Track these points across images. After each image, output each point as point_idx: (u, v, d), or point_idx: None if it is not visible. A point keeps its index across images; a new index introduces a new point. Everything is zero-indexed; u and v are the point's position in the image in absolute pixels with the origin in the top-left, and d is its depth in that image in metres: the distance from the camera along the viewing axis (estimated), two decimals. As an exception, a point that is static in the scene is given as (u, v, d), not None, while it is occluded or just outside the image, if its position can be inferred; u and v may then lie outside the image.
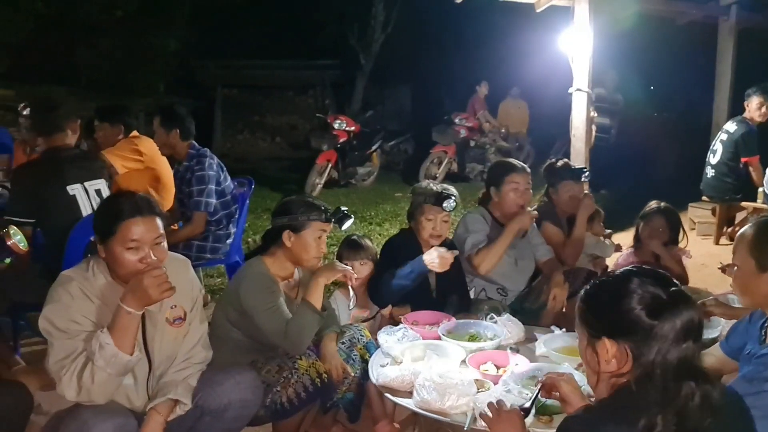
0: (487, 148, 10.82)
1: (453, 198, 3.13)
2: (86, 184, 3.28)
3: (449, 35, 12.90)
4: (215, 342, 2.47)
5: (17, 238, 1.49)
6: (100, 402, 2.11)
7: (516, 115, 11.46)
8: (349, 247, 3.21)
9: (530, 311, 3.36)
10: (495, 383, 2.29)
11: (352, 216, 2.91)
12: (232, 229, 4.15)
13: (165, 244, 2.20)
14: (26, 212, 3.09)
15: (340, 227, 2.84)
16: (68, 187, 3.19)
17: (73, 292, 2.14)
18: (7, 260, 1.47)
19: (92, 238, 3.13)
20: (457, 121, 10.42)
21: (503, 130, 11.18)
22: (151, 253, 2.12)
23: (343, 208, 2.83)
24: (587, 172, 4.14)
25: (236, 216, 4.15)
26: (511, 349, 2.62)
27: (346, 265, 2.77)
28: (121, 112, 4.33)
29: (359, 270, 3.13)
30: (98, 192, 3.33)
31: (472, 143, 10.64)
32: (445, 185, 3.31)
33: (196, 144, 4.06)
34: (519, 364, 2.46)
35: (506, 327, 2.80)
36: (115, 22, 12.30)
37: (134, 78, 12.67)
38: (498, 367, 2.46)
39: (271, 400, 2.46)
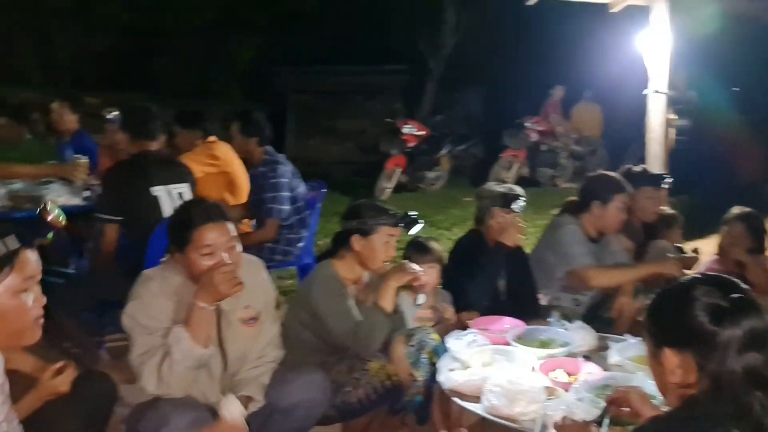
0: (559, 152, 10.63)
1: (522, 198, 3.10)
2: (170, 187, 3.42)
3: (521, 38, 12.72)
4: (287, 342, 2.54)
5: (56, 212, 1.54)
6: (177, 395, 2.21)
7: (589, 118, 11.20)
8: (416, 250, 3.19)
9: (604, 319, 3.28)
10: (566, 391, 2.25)
11: (421, 221, 2.91)
12: (304, 233, 4.23)
13: (239, 247, 2.27)
14: (114, 211, 3.24)
15: (409, 232, 2.85)
16: (152, 189, 3.34)
17: (153, 291, 2.24)
18: (50, 235, 1.53)
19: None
20: (528, 124, 10.28)
21: (575, 134, 10.95)
22: (226, 257, 2.19)
23: (411, 212, 2.84)
24: (669, 179, 3.98)
25: (308, 219, 4.23)
26: (583, 357, 2.57)
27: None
28: (200, 118, 4.48)
29: (426, 273, 3.12)
30: (180, 195, 3.47)
31: (544, 147, 10.47)
32: (511, 186, 3.27)
33: (271, 150, 4.16)
34: (591, 372, 2.40)
35: (578, 334, 2.74)
36: (194, 30, 12.79)
37: (211, 84, 13.13)
38: (569, 375, 2.42)
39: (341, 400, 2.50)
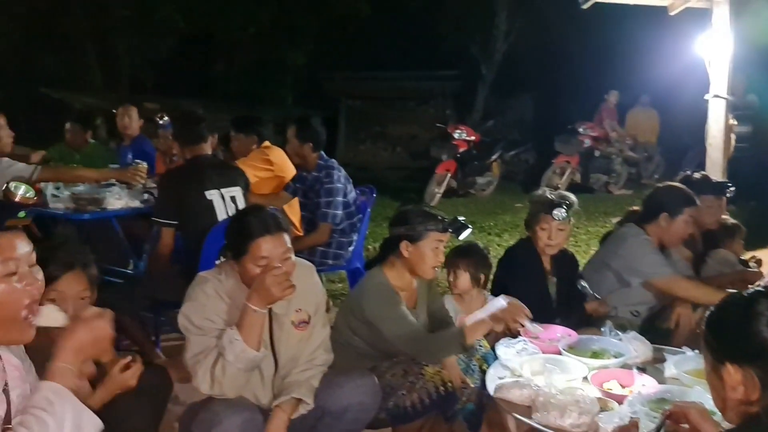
0: (613, 158, 10.42)
1: (564, 207, 3.04)
2: (223, 190, 3.49)
3: (575, 42, 12.53)
4: (337, 347, 2.55)
5: (22, 190, 1.53)
6: (230, 396, 2.25)
7: (645, 123, 10.95)
8: (461, 254, 3.15)
9: (660, 331, 3.18)
10: (619, 403, 2.20)
11: (470, 226, 2.89)
12: (354, 237, 4.26)
13: (293, 256, 2.31)
14: (170, 215, 3.33)
15: (458, 237, 2.83)
16: (206, 193, 3.42)
17: (208, 292, 2.29)
18: (22, 214, 1.51)
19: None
20: (581, 130, 10.10)
21: (630, 140, 10.72)
22: (280, 267, 2.23)
23: (460, 217, 2.82)
24: (731, 187, 3.85)
25: (359, 225, 4.26)
26: (637, 368, 2.50)
27: (456, 272, 2.76)
28: (255, 123, 4.56)
29: (463, 277, 3.10)
30: (233, 198, 3.54)
31: (598, 153, 10.27)
32: (563, 193, 3.21)
33: (325, 155, 4.21)
34: (646, 384, 2.34)
35: (632, 345, 2.67)
36: (249, 38, 13.07)
37: (265, 90, 13.37)
38: (622, 387, 2.36)
39: (394, 404, 2.50)
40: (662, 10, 5.51)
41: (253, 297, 2.20)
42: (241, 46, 13.30)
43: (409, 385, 2.51)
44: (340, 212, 4.07)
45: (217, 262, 2.48)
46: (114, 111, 6.07)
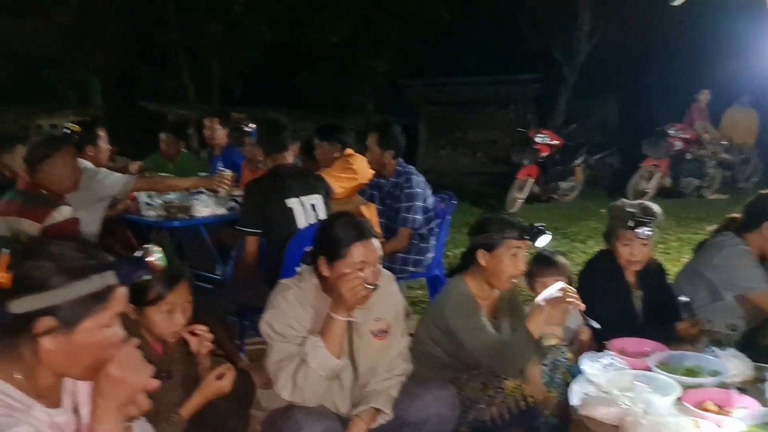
0: (706, 161, 9.92)
1: (649, 226, 2.88)
2: (303, 198, 3.55)
3: (663, 41, 12.04)
4: (417, 357, 2.54)
5: (157, 256, 1.55)
6: (310, 404, 2.28)
7: (743, 124, 10.37)
8: (540, 264, 3.04)
9: (762, 347, 2.98)
10: (717, 426, 2.07)
11: (548, 232, 2.79)
12: (433, 242, 4.24)
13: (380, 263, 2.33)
14: (254, 224, 3.42)
15: (535, 244, 2.75)
16: (287, 201, 3.48)
17: (289, 300, 2.33)
18: (146, 278, 1.52)
19: (306, 249, 3.41)
20: (671, 132, 9.67)
21: (725, 142, 10.17)
22: (371, 274, 2.25)
23: (538, 223, 2.74)
24: None
25: (437, 230, 4.24)
26: (736, 388, 2.35)
27: (538, 282, 2.68)
28: (338, 131, 4.60)
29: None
30: (313, 206, 3.59)
31: (689, 156, 9.81)
32: (646, 205, 3.04)
33: (403, 161, 4.22)
34: (747, 406, 2.19)
35: (730, 362, 2.52)
36: (331, 47, 13.31)
37: (346, 99, 13.58)
38: (719, 408, 2.22)
39: (474, 417, 2.47)
40: (760, 3, 5.20)
41: (335, 306, 2.24)
42: (324, 55, 13.57)
43: (489, 398, 2.47)
44: (420, 217, 4.07)
45: (297, 269, 2.52)
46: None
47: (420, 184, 4.11)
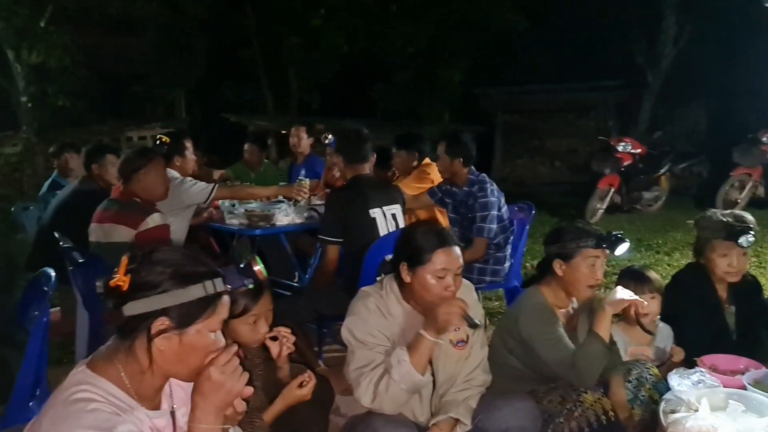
0: (803, 170, 9.35)
1: (751, 232, 2.74)
2: (385, 208, 3.59)
3: (755, 43, 11.45)
4: (493, 368, 2.51)
5: (261, 266, 1.65)
6: (389, 412, 2.28)
7: None
8: (633, 279, 2.93)
9: None
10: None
11: (627, 240, 2.70)
12: (509, 250, 4.19)
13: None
14: (336, 233, 3.47)
15: (613, 252, 2.67)
16: (370, 211, 3.53)
17: (370, 307, 2.36)
18: (251, 285, 1.63)
19: (387, 258, 3.44)
20: (764, 139, 9.17)
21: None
22: (450, 281, 2.27)
23: (615, 232, 2.65)
24: None
25: (511, 238, 4.18)
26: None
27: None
28: (416, 140, 4.64)
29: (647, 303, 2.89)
30: (394, 216, 3.62)
31: (786, 164, 9.27)
32: (737, 213, 2.90)
33: (475, 170, 4.19)
34: None
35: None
36: (408, 58, 13.41)
37: (422, 108, 13.62)
38: (824, 431, 2.09)
39: (552, 431, 2.41)
40: None
41: (428, 326, 2.24)
42: (400, 65, 13.68)
43: (567, 412, 2.40)
44: (495, 226, 4.02)
45: (378, 278, 2.54)
46: (284, 132, 6.50)
47: (494, 192, 4.06)
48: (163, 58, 13.08)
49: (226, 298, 1.53)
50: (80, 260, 3.20)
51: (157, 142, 4.16)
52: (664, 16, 12.14)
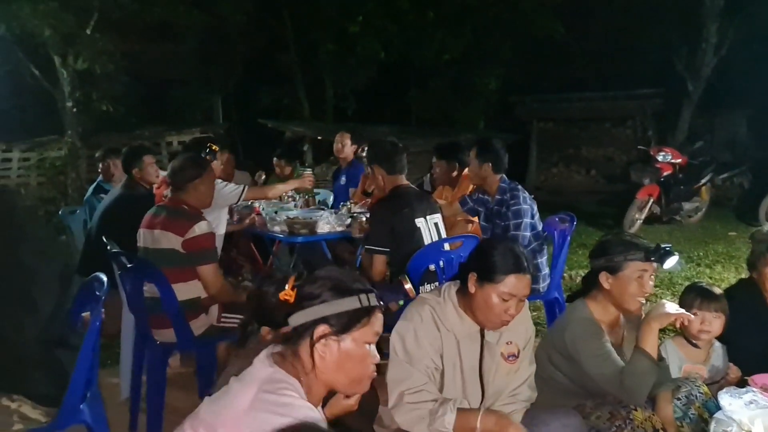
0: None
1: None
2: (428, 217, 3.60)
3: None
4: (538, 382, 2.49)
5: (409, 285, 1.76)
6: None
7: None
8: (700, 294, 2.83)
9: None
10: None
11: (676, 253, 2.65)
12: (544, 258, 4.15)
13: None
14: (384, 243, 3.48)
15: (662, 265, 2.62)
16: (416, 220, 3.54)
17: (423, 315, 2.34)
18: (401, 302, 1.75)
19: (430, 267, 3.44)
20: (809, 150, 8.97)
21: None
22: (515, 307, 2.27)
23: (664, 244, 2.61)
24: None
25: (545, 247, 4.15)
26: None
27: (695, 315, 2.55)
28: (457, 150, 4.61)
29: (711, 323, 2.79)
30: (436, 225, 3.63)
31: (831, 177, 9.04)
32: None
33: (507, 178, 4.16)
34: None
35: None
36: (443, 65, 13.41)
37: (458, 115, 13.60)
38: None
39: (600, 448, 2.39)
40: None
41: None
42: (436, 72, 13.68)
43: (617, 429, 2.37)
44: (528, 234, 3.99)
45: (444, 286, 2.50)
46: (319, 138, 6.57)
47: (526, 200, 4.03)
48: (203, 63, 13.28)
49: (379, 314, 1.68)
50: (128, 265, 3.28)
51: (207, 149, 4.22)
52: (705, 24, 11.92)
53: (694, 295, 2.84)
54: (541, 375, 2.59)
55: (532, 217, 4.07)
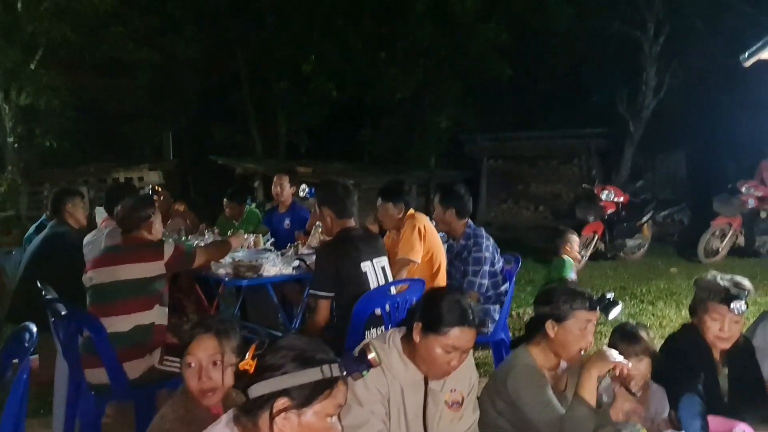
0: (783, 220, 9.50)
1: (744, 300, 2.75)
2: (374, 260, 3.57)
3: (732, 96, 11.76)
4: (481, 428, 2.49)
5: (374, 354, 1.74)
6: None
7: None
8: (622, 338, 2.85)
9: None
10: None
11: (620, 302, 2.72)
12: (499, 307, 4.19)
13: None
14: (328, 287, 3.44)
15: (607, 316, 2.68)
16: (361, 264, 3.50)
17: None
18: (365, 372, 1.73)
19: (376, 311, 3.42)
20: (743, 189, 9.34)
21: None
22: (458, 359, 2.27)
23: (609, 294, 2.67)
24: None
25: (504, 296, 4.19)
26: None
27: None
28: (403, 192, 4.48)
29: (635, 366, 2.87)
30: (383, 269, 3.60)
31: (764, 214, 9.42)
32: (737, 279, 2.90)
33: (472, 223, 4.20)
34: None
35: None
36: (396, 103, 13.62)
37: (410, 153, 13.77)
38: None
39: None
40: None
41: None
42: (388, 110, 13.87)
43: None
44: (486, 281, 4.03)
45: (388, 333, 2.49)
46: (270, 175, 6.48)
47: (489, 247, 4.08)
48: (154, 99, 13.17)
49: (342, 386, 1.64)
50: (63, 312, 3.18)
51: (150, 191, 4.22)
52: (645, 68, 12.47)
53: (617, 338, 2.84)
54: (485, 421, 2.59)
55: (493, 265, 4.10)
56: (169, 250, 3.45)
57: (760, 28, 8.38)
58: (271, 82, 13.81)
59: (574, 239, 5.57)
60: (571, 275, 5.13)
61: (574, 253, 5.49)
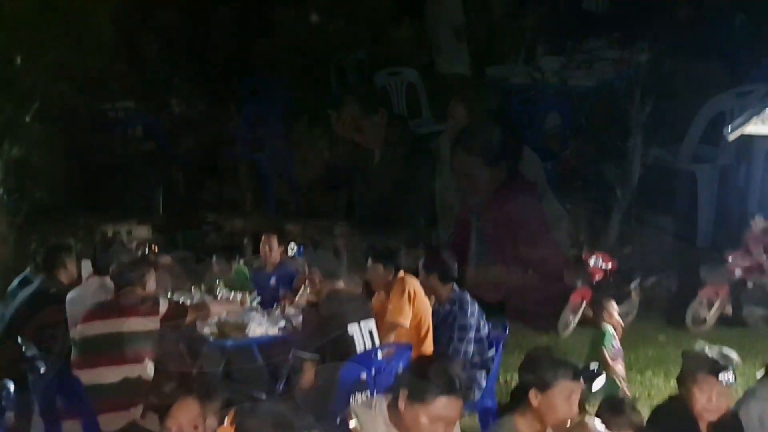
0: (770, 290, 9.56)
1: (732, 370, 2.76)
2: (362, 323, 3.57)
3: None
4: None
5: (355, 423, 1.75)
6: None
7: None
8: (610, 410, 2.88)
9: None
10: None
11: (603, 373, 2.71)
12: (485, 373, 4.15)
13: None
14: (314, 349, 3.42)
15: (590, 389, 2.69)
16: (348, 327, 3.49)
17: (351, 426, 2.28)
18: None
19: (362, 376, 3.38)
20: (730, 259, 9.43)
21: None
22: (443, 429, 2.22)
23: (592, 365, 2.68)
24: None
25: (491, 363, 4.16)
26: None
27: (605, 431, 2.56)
28: (394, 254, 4.52)
29: None
30: (370, 333, 3.59)
31: (751, 284, 9.48)
32: (725, 351, 2.93)
33: (457, 288, 4.21)
34: None
35: None
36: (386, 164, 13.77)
37: (398, 212, 13.85)
38: None
39: None
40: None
41: None
42: (378, 173, 14.02)
43: None
44: (471, 348, 4.02)
45: (352, 396, 2.48)
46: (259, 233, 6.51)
47: (474, 313, 4.09)
48: (145, 153, 13.24)
49: None
50: (42, 370, 3.14)
51: (147, 250, 4.28)
52: (632, 135, 12.71)
53: (605, 410, 2.87)
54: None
55: (478, 330, 4.11)
56: (164, 305, 3.53)
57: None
58: (264, 140, 13.96)
59: (612, 305, 5.37)
60: (614, 345, 4.95)
61: (615, 320, 5.29)
